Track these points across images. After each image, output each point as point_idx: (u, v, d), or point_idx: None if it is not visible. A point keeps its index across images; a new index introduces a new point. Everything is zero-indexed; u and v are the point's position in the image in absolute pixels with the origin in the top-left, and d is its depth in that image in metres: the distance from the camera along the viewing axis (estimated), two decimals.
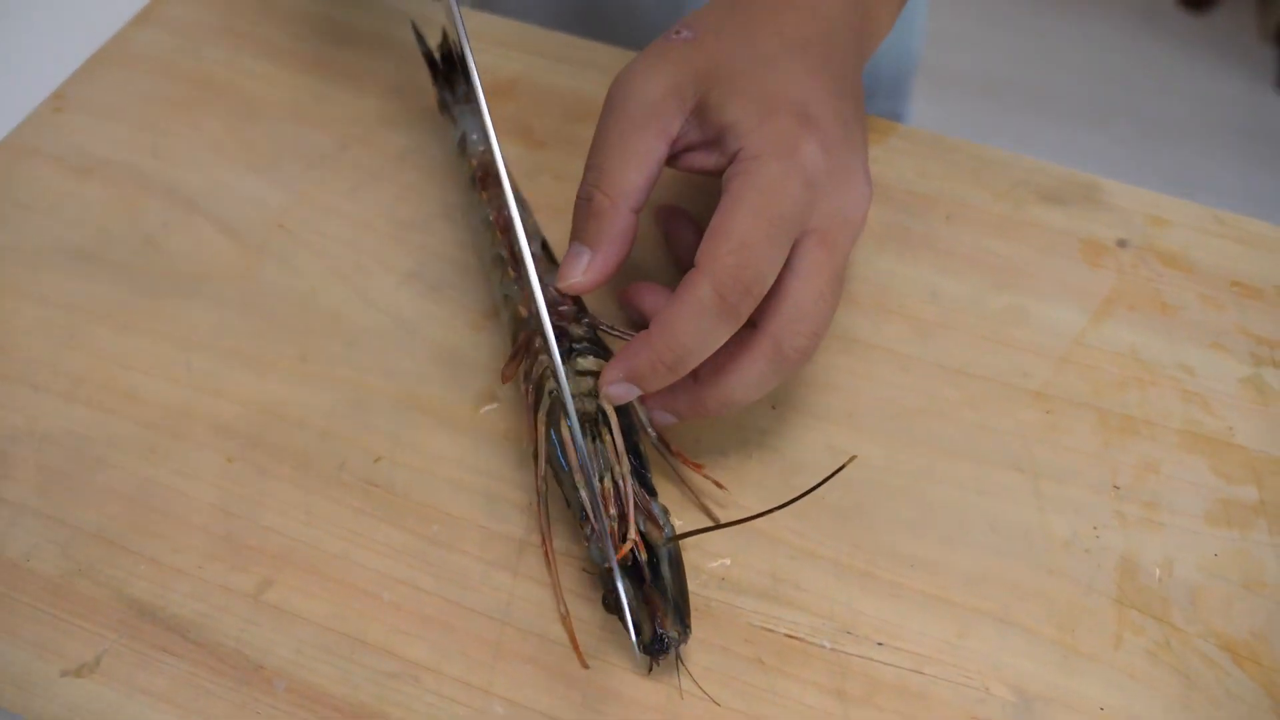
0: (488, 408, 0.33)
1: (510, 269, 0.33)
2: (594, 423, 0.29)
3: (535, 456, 0.29)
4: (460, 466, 0.31)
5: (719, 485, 0.31)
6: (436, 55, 0.39)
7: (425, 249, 0.37)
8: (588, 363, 0.30)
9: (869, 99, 0.58)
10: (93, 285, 0.35)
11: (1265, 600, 0.29)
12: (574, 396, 0.29)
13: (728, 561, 0.30)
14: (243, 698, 0.27)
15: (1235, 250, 0.37)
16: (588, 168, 0.29)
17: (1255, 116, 1.44)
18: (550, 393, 0.30)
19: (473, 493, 0.31)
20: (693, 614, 0.28)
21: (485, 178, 0.36)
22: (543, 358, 0.30)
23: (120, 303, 0.35)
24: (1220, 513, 0.31)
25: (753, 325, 0.28)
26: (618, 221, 0.28)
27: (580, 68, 0.42)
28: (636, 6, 0.54)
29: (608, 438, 0.28)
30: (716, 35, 0.29)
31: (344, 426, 0.32)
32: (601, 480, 0.28)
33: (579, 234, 0.29)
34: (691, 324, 0.26)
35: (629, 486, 0.27)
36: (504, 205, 0.34)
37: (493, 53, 0.43)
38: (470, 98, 0.38)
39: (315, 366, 0.34)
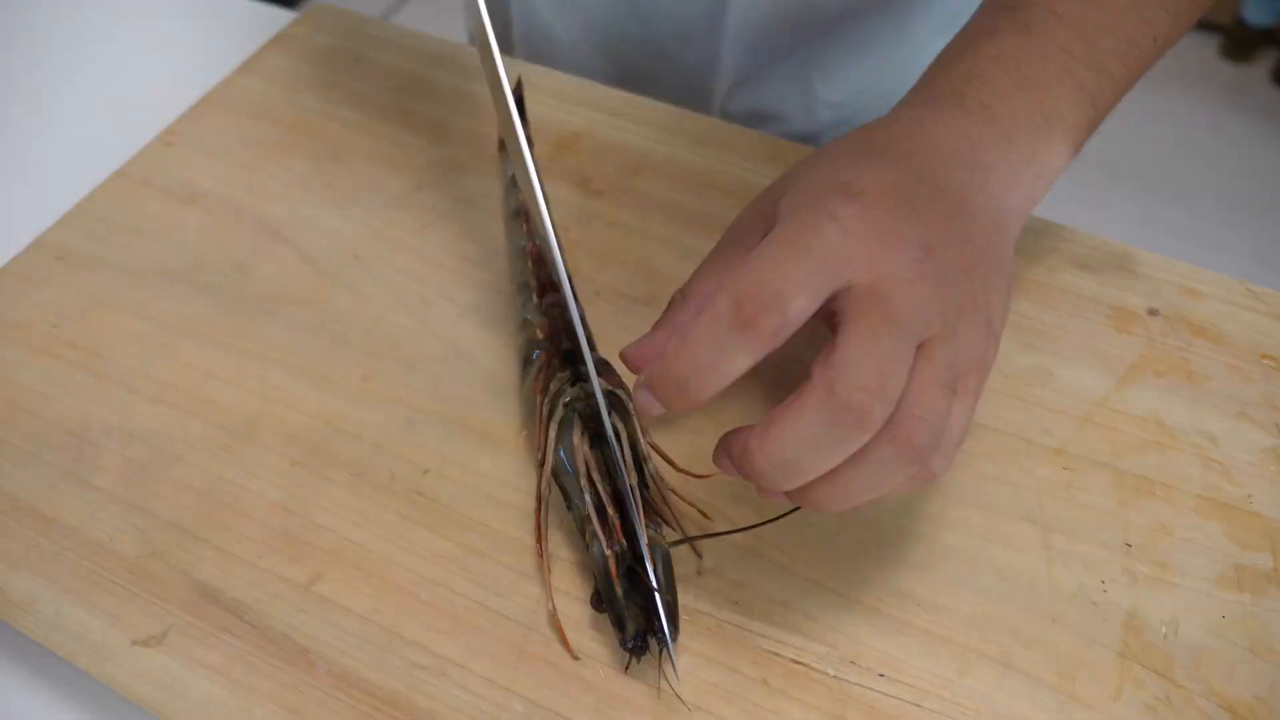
0: (525, 433, 0.35)
1: (535, 295, 0.36)
2: (598, 441, 0.31)
3: (540, 464, 0.32)
4: (501, 484, 0.34)
5: (704, 515, 0.33)
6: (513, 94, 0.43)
7: (485, 285, 0.40)
8: (605, 383, 0.32)
9: None
10: (186, 303, 0.39)
11: (1271, 666, 0.30)
12: (587, 412, 0.32)
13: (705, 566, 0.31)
14: (288, 677, 0.29)
15: (1266, 324, 0.38)
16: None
17: None
18: (565, 405, 0.32)
19: (511, 508, 0.33)
20: (706, 634, 0.29)
21: (525, 215, 0.39)
22: (561, 375, 0.33)
23: (209, 320, 0.39)
24: (1232, 577, 0.32)
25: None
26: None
27: (638, 124, 0.45)
28: (671, 68, 0.56)
29: (619, 449, 0.31)
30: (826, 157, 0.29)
31: (397, 441, 0.35)
32: (607, 486, 0.30)
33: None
34: (705, 331, 0.25)
35: (638, 496, 0.29)
36: (537, 237, 0.37)
37: (561, 108, 0.46)
38: (529, 144, 0.41)
39: (376, 386, 0.37)
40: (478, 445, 0.35)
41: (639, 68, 0.54)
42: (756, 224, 0.29)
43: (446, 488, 0.34)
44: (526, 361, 0.35)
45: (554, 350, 0.34)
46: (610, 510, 0.30)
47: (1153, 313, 0.38)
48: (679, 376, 0.26)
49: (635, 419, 0.31)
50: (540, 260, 0.37)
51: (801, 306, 0.25)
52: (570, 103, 0.47)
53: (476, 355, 0.38)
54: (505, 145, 0.43)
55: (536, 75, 0.48)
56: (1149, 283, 0.39)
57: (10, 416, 0.36)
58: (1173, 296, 0.39)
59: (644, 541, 0.29)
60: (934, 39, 0.55)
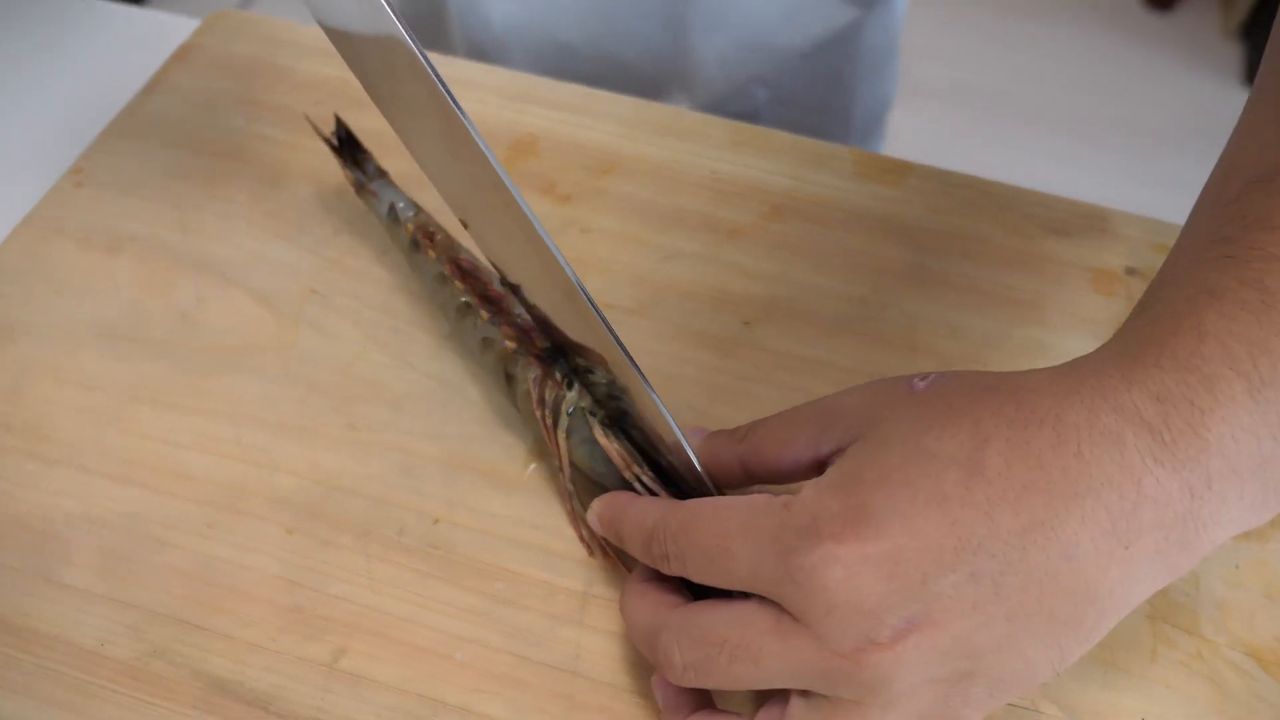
0: (531, 467, 0.33)
1: (481, 310, 0.34)
2: (617, 426, 0.31)
3: (560, 469, 0.31)
4: (517, 524, 0.32)
5: None
6: (333, 140, 0.39)
7: None
8: (596, 376, 0.31)
9: (841, 143, 0.61)
10: (133, 364, 0.36)
11: None
12: (594, 403, 0.31)
13: None
14: None
15: None
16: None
17: (1221, 113, 1.49)
18: (570, 413, 0.31)
19: (531, 549, 0.32)
20: None
21: (426, 237, 0.36)
22: (551, 382, 0.32)
23: (162, 380, 0.35)
24: None
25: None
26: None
27: (598, 120, 0.43)
28: (630, 65, 0.56)
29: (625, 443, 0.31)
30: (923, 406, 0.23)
31: (398, 492, 0.33)
32: (649, 470, 0.30)
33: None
34: (634, 516, 0.27)
35: (689, 453, 0.29)
36: (457, 250, 0.35)
37: (511, 108, 0.44)
38: (383, 173, 0.39)
39: (364, 434, 0.34)
40: (485, 486, 0.33)
41: (591, 70, 0.53)
42: (809, 434, 0.26)
43: (461, 536, 0.32)
44: (509, 379, 0.33)
45: (533, 354, 0.33)
46: (668, 494, 0.29)
47: (1131, 271, 0.39)
48: (610, 525, 0.29)
49: (642, 393, 0.29)
50: (467, 273, 0.35)
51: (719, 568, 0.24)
52: (521, 101, 0.44)
53: (465, 387, 0.36)
54: (365, 188, 0.38)
55: (481, 74, 0.45)
56: (1124, 241, 0.40)
57: None
58: (1147, 254, 0.39)
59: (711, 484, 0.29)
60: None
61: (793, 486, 0.27)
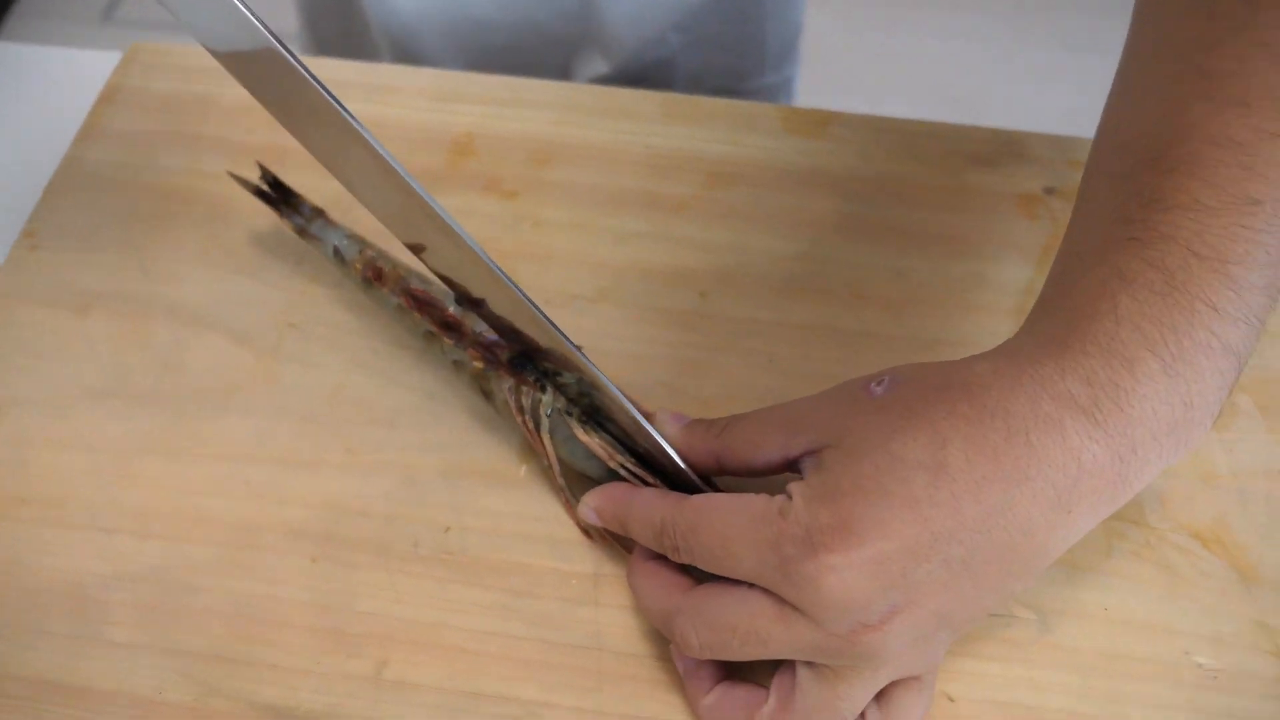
0: (524, 469, 0.36)
1: (445, 337, 0.36)
2: (594, 420, 0.33)
3: (550, 468, 0.34)
4: (521, 520, 0.35)
5: None
6: (264, 187, 0.40)
7: None
8: (565, 378, 0.33)
9: (758, 75, 0.62)
10: (126, 420, 0.37)
11: (1219, 490, 0.35)
12: (568, 403, 0.33)
13: None
14: None
15: None
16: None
17: None
18: (549, 415, 0.33)
19: (539, 541, 0.34)
20: None
21: (375, 274, 0.37)
22: (525, 388, 0.34)
23: (158, 431, 0.37)
24: None
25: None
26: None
27: (529, 109, 0.44)
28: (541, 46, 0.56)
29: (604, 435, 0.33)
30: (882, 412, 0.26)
31: (406, 506, 0.35)
32: (630, 458, 0.32)
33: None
34: (641, 513, 0.30)
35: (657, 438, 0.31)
36: (409, 280, 0.36)
37: (442, 110, 0.45)
38: (320, 212, 0.39)
39: (363, 455, 0.36)
40: (485, 487, 0.35)
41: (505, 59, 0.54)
42: (779, 439, 0.29)
43: (471, 539, 0.34)
44: (486, 395, 0.35)
45: (501, 367, 0.35)
46: (650, 480, 0.32)
47: (1049, 191, 0.42)
48: (619, 516, 0.31)
49: (608, 390, 0.32)
50: (423, 303, 0.36)
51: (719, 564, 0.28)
52: (449, 101, 0.45)
53: (449, 397, 0.37)
54: (306, 231, 0.39)
55: (404, 77, 0.46)
56: (1040, 164, 0.42)
57: None
58: (1064, 172, 0.42)
59: (686, 467, 0.31)
60: None
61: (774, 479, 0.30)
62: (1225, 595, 0.33)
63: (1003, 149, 0.43)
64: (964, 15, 1.48)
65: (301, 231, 0.39)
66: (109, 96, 0.45)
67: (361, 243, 0.38)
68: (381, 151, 0.28)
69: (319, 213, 0.39)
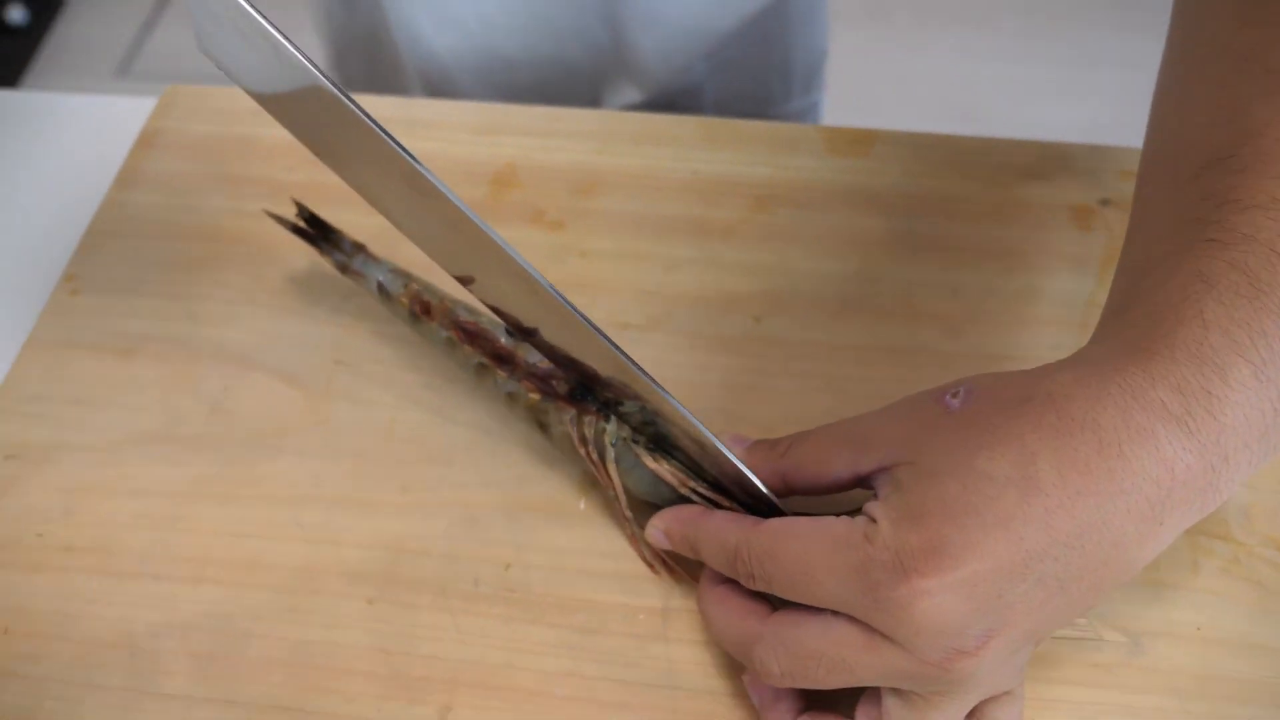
0: (583, 502, 0.35)
1: (498, 369, 0.35)
2: (661, 449, 0.33)
3: (615, 498, 0.33)
4: (585, 555, 0.34)
5: None
6: (300, 224, 0.39)
7: None
8: (627, 407, 0.32)
9: (784, 100, 0.62)
10: (177, 465, 0.36)
11: None
12: (632, 432, 0.33)
13: None
14: None
15: None
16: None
17: None
18: (614, 444, 0.33)
19: (604, 576, 0.33)
20: None
21: (423, 307, 0.37)
22: (588, 419, 0.33)
23: (210, 475, 0.36)
24: None
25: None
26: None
27: (574, 139, 0.44)
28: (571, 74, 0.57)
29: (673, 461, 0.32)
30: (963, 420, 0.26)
31: (465, 544, 0.34)
32: (703, 483, 0.32)
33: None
34: (713, 535, 0.29)
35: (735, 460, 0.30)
36: (456, 313, 0.36)
37: (482, 143, 0.44)
38: (361, 247, 0.39)
39: (419, 494, 0.35)
40: (547, 523, 0.35)
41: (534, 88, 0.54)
42: (847, 456, 0.28)
43: (534, 576, 0.33)
44: (542, 427, 0.35)
45: (559, 398, 0.34)
46: (725, 503, 0.31)
47: (1104, 203, 0.41)
48: (690, 539, 0.30)
49: (675, 414, 0.31)
50: (473, 334, 0.36)
51: (794, 584, 0.27)
52: (490, 133, 0.45)
53: (504, 431, 0.37)
54: (349, 268, 0.38)
55: (443, 110, 0.46)
56: (1092, 175, 0.42)
57: (38, 651, 0.33)
58: (1116, 183, 0.41)
59: (765, 490, 0.30)
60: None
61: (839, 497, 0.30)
62: None
63: (1049, 162, 0.42)
64: (984, 35, 1.50)
65: (343, 268, 0.39)
66: (147, 140, 0.45)
67: (406, 276, 0.38)
68: (435, 182, 0.28)
69: (359, 248, 0.39)
